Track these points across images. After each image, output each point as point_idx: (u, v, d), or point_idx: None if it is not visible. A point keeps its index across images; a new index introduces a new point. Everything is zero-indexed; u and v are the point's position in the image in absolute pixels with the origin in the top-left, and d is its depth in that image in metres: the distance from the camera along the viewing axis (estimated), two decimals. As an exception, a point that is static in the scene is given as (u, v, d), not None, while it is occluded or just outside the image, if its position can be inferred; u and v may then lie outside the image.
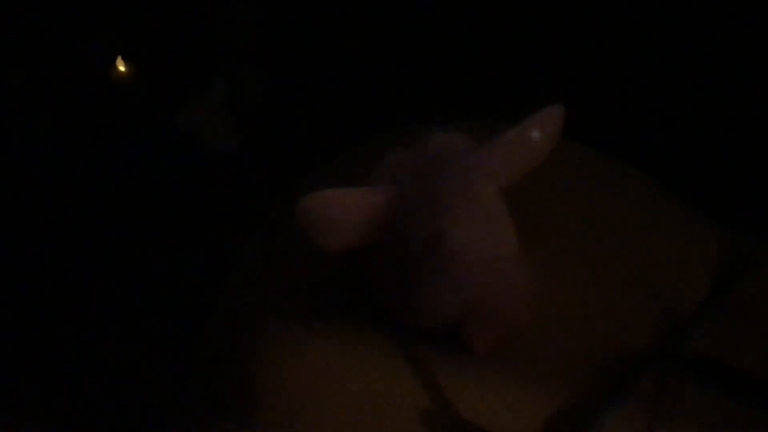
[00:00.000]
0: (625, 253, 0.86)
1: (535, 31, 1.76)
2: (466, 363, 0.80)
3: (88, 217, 1.82)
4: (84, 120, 1.87)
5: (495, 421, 0.77)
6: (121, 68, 1.87)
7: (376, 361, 0.81)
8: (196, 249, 1.78)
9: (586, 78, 1.64)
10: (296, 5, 1.96)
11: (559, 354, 0.80)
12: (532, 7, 1.76)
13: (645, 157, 1.03)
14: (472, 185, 0.76)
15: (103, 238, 1.79)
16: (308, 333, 0.83)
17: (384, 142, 0.90)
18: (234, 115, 1.87)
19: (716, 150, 1.44)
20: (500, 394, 0.78)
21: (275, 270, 0.90)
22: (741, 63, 1.56)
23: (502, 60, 1.75)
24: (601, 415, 0.76)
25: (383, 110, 1.79)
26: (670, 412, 0.76)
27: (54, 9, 1.86)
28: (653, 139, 1.41)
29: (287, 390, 0.80)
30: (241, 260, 0.96)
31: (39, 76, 1.87)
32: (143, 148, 1.86)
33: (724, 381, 0.78)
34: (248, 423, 0.82)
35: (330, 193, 0.79)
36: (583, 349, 0.80)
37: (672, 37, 1.63)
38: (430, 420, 0.77)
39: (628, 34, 1.67)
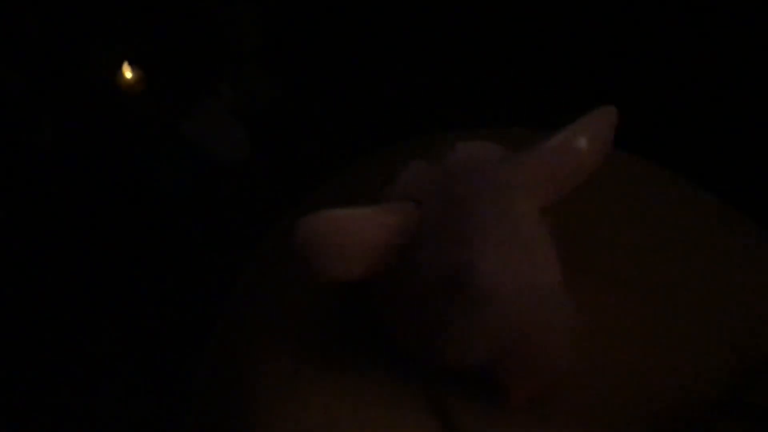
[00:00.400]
0: (689, 284, 0.69)
1: (558, 30, 1.60)
2: (499, 415, 0.63)
3: (91, 228, 1.69)
4: (88, 128, 1.73)
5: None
6: (128, 75, 1.73)
7: (391, 412, 0.65)
8: (203, 261, 1.65)
9: (620, 79, 1.49)
10: (305, 8, 1.82)
11: (610, 404, 0.64)
12: (558, 6, 1.61)
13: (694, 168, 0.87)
14: (508, 205, 0.60)
15: (107, 249, 1.67)
16: (309, 380, 0.66)
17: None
18: (243, 122, 1.73)
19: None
20: (541, 451, 0.62)
21: (270, 303, 0.73)
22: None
23: (525, 61, 1.60)
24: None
25: (400, 116, 1.65)
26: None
27: (58, 13, 1.73)
28: (700, 147, 1.25)
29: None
30: (234, 290, 0.79)
31: (41, 83, 1.74)
32: (149, 156, 1.73)
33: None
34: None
35: (333, 214, 0.62)
36: (638, 398, 0.64)
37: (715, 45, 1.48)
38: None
39: (659, 35, 1.51)
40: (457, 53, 1.69)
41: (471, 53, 1.68)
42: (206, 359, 0.79)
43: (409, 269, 0.62)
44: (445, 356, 0.61)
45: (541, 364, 0.62)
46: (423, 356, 0.63)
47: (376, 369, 0.67)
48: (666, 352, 0.67)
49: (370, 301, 0.67)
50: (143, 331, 1.58)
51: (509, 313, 0.59)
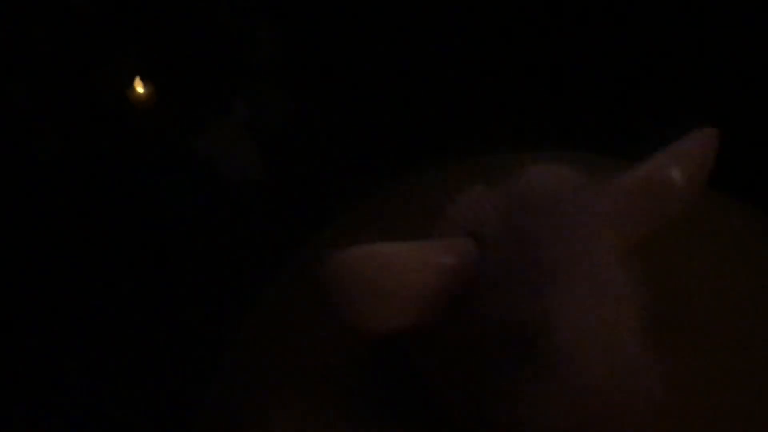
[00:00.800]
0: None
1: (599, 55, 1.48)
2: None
3: (94, 246, 1.57)
4: (96, 142, 1.62)
5: None
6: (140, 89, 1.61)
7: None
8: (214, 284, 1.52)
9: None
10: (324, 25, 1.70)
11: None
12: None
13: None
14: (590, 245, 0.47)
15: (113, 270, 1.54)
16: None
17: (448, 176, 0.61)
18: (257, 141, 1.62)
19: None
20: None
21: (285, 351, 0.60)
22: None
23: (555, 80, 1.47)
24: None
25: (424, 139, 1.52)
26: None
27: (70, 25, 1.62)
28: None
29: None
30: (246, 325, 0.66)
31: (49, 94, 1.62)
32: (157, 172, 1.61)
33: None
34: None
35: (374, 250, 0.49)
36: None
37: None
38: None
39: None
40: (486, 70, 1.56)
41: (504, 70, 1.56)
42: (211, 402, 0.66)
43: (464, 321, 0.49)
44: (507, 429, 0.48)
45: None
46: (476, 427, 0.50)
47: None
48: (762, 425, 0.53)
49: (409, 356, 0.53)
50: (146, 354, 1.46)
51: (591, 377, 0.46)
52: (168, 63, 1.63)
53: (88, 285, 1.55)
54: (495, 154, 0.66)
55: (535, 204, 0.49)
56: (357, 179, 1.53)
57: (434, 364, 0.51)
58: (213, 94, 1.63)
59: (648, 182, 0.50)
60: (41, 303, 1.53)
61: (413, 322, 0.51)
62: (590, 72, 1.49)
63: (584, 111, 1.42)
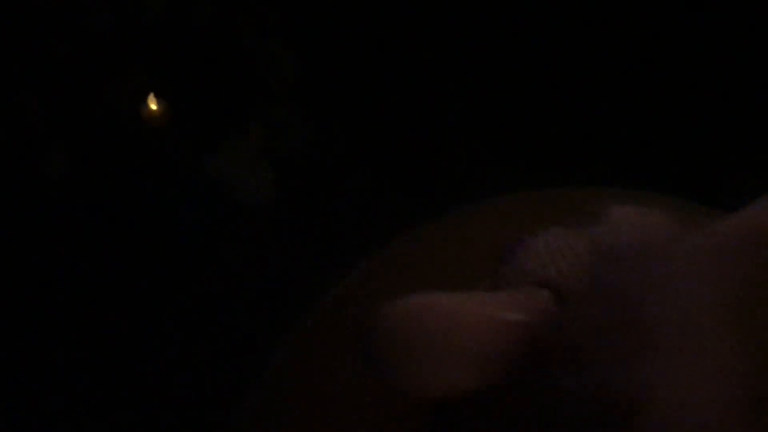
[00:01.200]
0: None
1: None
2: None
3: (103, 270, 1.48)
4: (105, 161, 1.53)
5: None
6: (153, 107, 1.53)
7: None
8: (222, 312, 1.44)
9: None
10: (344, 45, 1.62)
11: None
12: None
13: None
14: (696, 306, 0.39)
15: (120, 295, 1.46)
16: None
17: (508, 212, 0.52)
18: (272, 164, 1.54)
19: None
20: None
21: (313, 406, 0.51)
22: None
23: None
24: None
25: (448, 171, 1.43)
26: None
27: (84, 39, 1.54)
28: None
29: None
30: (262, 383, 0.56)
31: (58, 108, 1.54)
32: (167, 192, 1.53)
33: None
34: None
35: (432, 301, 0.40)
36: None
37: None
38: None
39: None
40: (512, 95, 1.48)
41: (559, 96, 1.48)
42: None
43: (533, 388, 0.40)
44: None
45: None
46: None
47: None
48: None
49: (458, 424, 0.44)
50: (154, 378, 1.38)
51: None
52: (183, 81, 1.55)
53: (91, 300, 1.47)
54: (550, 188, 0.57)
55: (626, 254, 0.40)
56: (380, 211, 1.45)
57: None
58: (228, 115, 1.55)
59: (758, 234, 0.41)
60: (46, 322, 1.45)
61: (471, 385, 0.41)
62: (649, 109, 1.41)
63: (648, 147, 1.34)
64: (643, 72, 1.45)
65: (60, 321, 1.46)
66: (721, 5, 1.44)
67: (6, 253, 1.49)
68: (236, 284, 1.48)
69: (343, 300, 0.55)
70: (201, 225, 1.53)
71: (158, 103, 1.55)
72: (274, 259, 1.50)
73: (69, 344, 1.44)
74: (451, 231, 0.57)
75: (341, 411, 0.47)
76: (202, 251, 1.50)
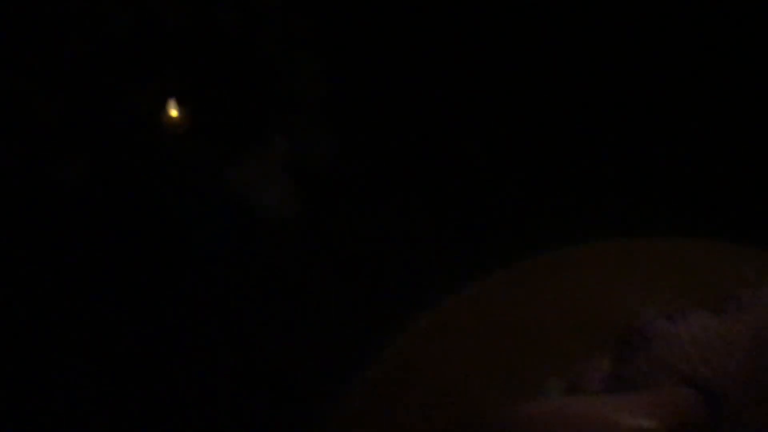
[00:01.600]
0: None
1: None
2: None
3: (119, 280, 1.41)
4: (124, 168, 1.46)
5: None
6: (173, 113, 1.46)
7: None
8: (240, 330, 1.37)
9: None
10: (370, 57, 1.55)
11: None
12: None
13: None
14: None
15: (136, 306, 1.39)
16: None
17: (595, 263, 0.44)
18: (295, 177, 1.46)
19: None
20: None
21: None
22: None
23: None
24: None
25: (479, 194, 1.37)
26: None
27: (102, 40, 1.47)
28: None
29: None
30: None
31: (77, 113, 1.47)
32: (189, 205, 1.46)
33: None
34: None
35: (565, 406, 0.34)
36: None
37: None
38: None
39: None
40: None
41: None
42: None
43: None
44: None
45: None
46: None
47: None
48: None
49: None
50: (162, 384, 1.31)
51: None
52: (205, 88, 1.48)
53: (109, 313, 1.40)
54: (618, 237, 0.50)
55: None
56: (406, 228, 1.39)
57: None
58: (252, 125, 1.48)
59: None
60: (61, 327, 1.38)
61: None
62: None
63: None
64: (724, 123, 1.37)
65: (74, 327, 1.39)
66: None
67: (22, 257, 1.43)
68: (255, 299, 1.41)
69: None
70: (221, 237, 1.46)
71: (179, 110, 1.48)
72: (295, 275, 1.43)
73: (80, 351, 1.37)
74: (536, 280, 0.50)
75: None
76: (221, 264, 1.43)
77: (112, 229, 1.48)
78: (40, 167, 1.44)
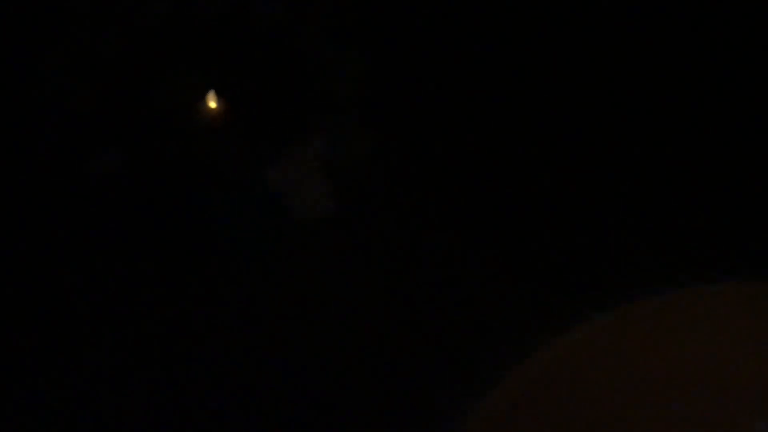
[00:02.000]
0: None
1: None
2: None
3: (149, 276, 1.39)
4: (159, 161, 1.43)
5: None
6: (212, 105, 1.43)
7: None
8: (267, 329, 1.34)
9: None
10: (410, 57, 1.51)
11: None
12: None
13: None
14: None
15: (167, 302, 1.36)
16: None
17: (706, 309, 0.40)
18: (332, 176, 1.43)
19: None
20: None
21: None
22: None
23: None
24: None
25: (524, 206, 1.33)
26: None
27: (140, 29, 1.44)
28: None
29: None
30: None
31: (113, 101, 1.44)
32: (224, 202, 1.43)
33: None
34: None
35: None
36: None
37: None
38: None
39: None
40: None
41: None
42: None
43: None
44: None
45: None
46: None
47: None
48: None
49: None
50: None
51: None
52: (246, 84, 1.45)
53: (136, 310, 1.38)
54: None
55: None
56: (443, 233, 1.35)
57: None
58: (291, 124, 1.45)
59: None
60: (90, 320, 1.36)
61: None
62: None
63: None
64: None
65: (107, 319, 1.36)
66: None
67: (57, 249, 1.40)
68: (288, 300, 1.38)
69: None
70: (253, 235, 1.43)
71: (218, 102, 1.45)
72: (326, 276, 1.41)
73: (111, 345, 1.35)
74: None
75: None
76: (252, 262, 1.41)
77: (146, 222, 1.45)
78: (77, 159, 1.41)
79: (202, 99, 1.45)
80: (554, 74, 1.41)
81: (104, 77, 1.43)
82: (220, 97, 1.43)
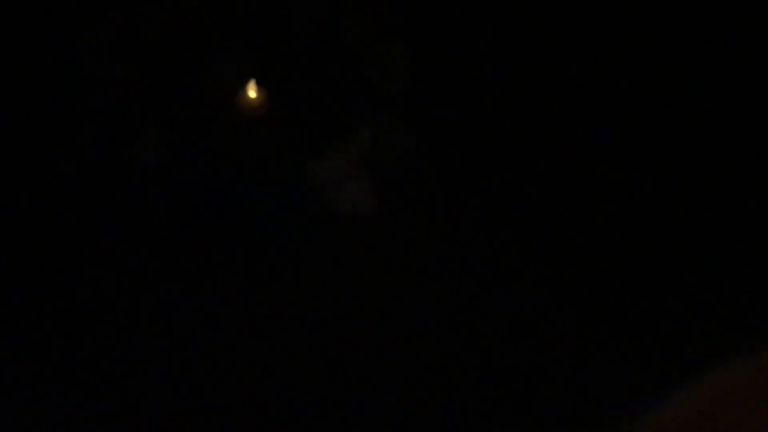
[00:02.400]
0: None
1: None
2: None
3: (185, 265, 1.36)
4: (200, 149, 1.40)
5: None
6: (252, 94, 1.39)
7: None
8: (306, 324, 1.33)
9: None
10: (455, 54, 1.49)
11: None
12: None
13: None
14: None
15: (200, 297, 1.34)
16: None
17: None
18: (374, 172, 1.41)
19: None
20: None
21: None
22: None
23: None
24: None
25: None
26: None
27: (183, 16, 1.39)
28: None
29: None
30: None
31: (155, 87, 1.40)
32: (264, 195, 1.40)
33: None
34: None
35: None
36: None
37: None
38: None
39: None
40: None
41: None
42: None
43: None
44: None
45: None
46: None
47: None
48: None
49: None
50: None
51: None
52: (290, 76, 1.41)
53: (172, 302, 1.36)
54: None
55: None
56: (479, 221, 1.32)
57: None
58: (332, 117, 1.42)
59: None
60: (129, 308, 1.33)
61: None
62: None
63: None
64: None
65: (146, 306, 1.34)
66: None
67: (92, 235, 1.38)
68: (327, 295, 1.37)
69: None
70: (295, 230, 1.41)
71: (259, 92, 1.41)
72: (367, 274, 1.39)
73: (155, 332, 1.33)
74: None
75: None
76: (294, 258, 1.39)
77: (186, 211, 1.42)
78: (118, 148, 1.38)
79: (243, 88, 1.41)
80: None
81: (146, 63, 1.40)
82: (261, 87, 1.40)
